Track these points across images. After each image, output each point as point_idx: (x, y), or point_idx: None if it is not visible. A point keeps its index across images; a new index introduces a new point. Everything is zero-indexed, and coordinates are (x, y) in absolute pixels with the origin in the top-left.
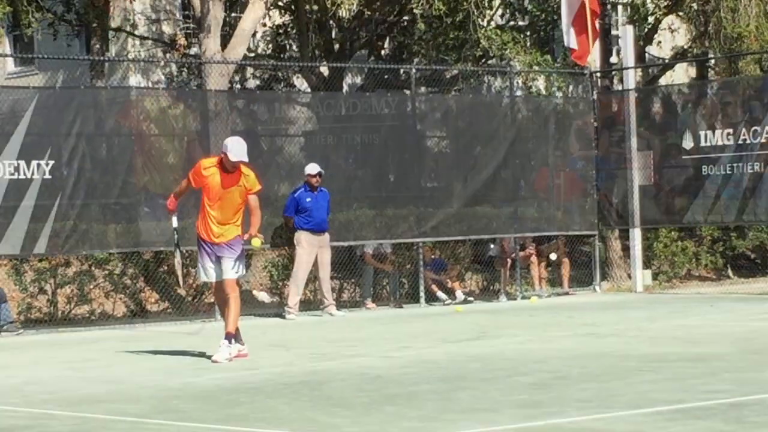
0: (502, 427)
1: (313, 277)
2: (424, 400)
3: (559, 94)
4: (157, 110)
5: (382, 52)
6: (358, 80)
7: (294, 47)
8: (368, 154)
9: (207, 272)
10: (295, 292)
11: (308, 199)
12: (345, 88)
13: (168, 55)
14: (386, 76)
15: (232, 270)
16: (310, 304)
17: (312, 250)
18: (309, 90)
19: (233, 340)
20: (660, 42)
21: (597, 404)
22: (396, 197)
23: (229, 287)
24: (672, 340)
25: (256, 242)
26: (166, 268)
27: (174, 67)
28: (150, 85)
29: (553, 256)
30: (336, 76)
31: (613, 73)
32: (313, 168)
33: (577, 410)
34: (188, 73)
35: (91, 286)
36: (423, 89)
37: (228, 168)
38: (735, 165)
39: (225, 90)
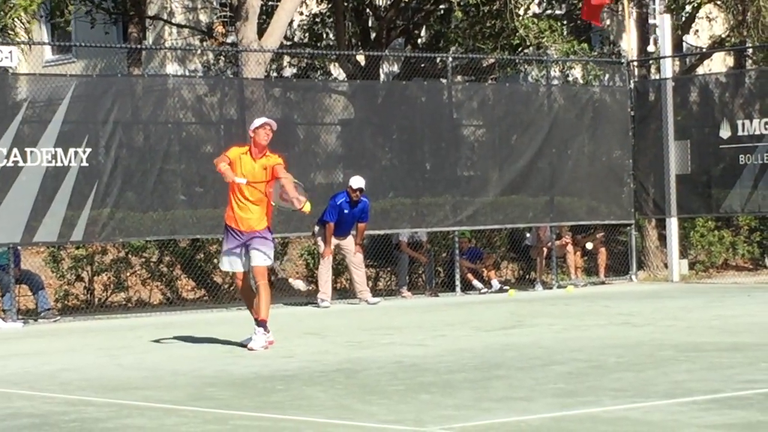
0: (537, 416)
1: (346, 266)
2: (459, 389)
3: (596, 83)
4: (194, 98)
5: (419, 40)
6: (395, 69)
7: (330, 35)
8: (404, 143)
9: (232, 263)
10: (324, 280)
11: (345, 211)
12: (382, 76)
13: (205, 44)
14: (423, 65)
15: (262, 257)
16: (346, 292)
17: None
18: (345, 78)
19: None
20: (697, 31)
21: (632, 393)
22: (432, 186)
23: (259, 275)
24: (708, 329)
25: (308, 206)
26: (202, 255)
27: (211, 56)
28: (187, 73)
29: (589, 246)
30: (372, 65)
31: (651, 62)
32: (357, 182)
33: (613, 399)
34: (225, 61)
35: (128, 274)
36: (459, 78)
37: (257, 147)
38: None
39: (261, 78)
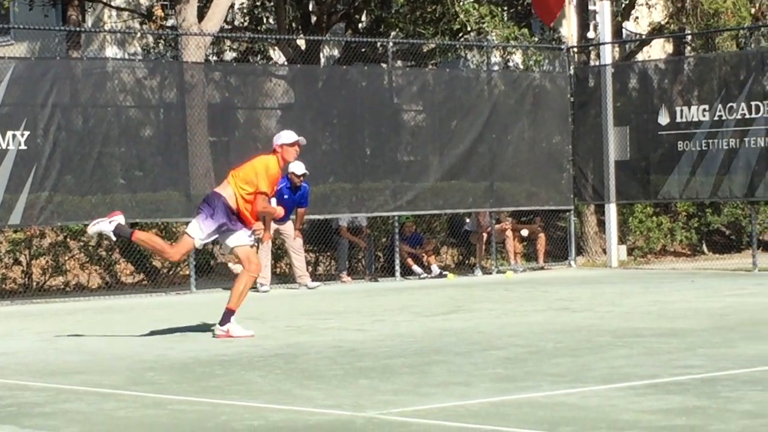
0: (476, 401)
1: (285, 251)
2: (398, 374)
3: (537, 68)
4: (134, 82)
5: (360, 25)
6: (335, 53)
7: (271, 20)
8: (344, 128)
9: (203, 233)
10: (263, 265)
11: (285, 196)
12: (322, 61)
13: (144, 27)
14: (363, 50)
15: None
16: (286, 277)
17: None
18: (286, 63)
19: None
20: (637, 18)
21: (570, 378)
22: (372, 171)
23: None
24: (646, 315)
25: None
26: None
27: (150, 39)
28: (126, 56)
29: (524, 232)
30: (313, 49)
31: (590, 48)
32: (299, 168)
33: (551, 384)
34: (165, 44)
35: (66, 258)
36: (400, 63)
37: (284, 162)
38: (710, 141)
39: (201, 62)
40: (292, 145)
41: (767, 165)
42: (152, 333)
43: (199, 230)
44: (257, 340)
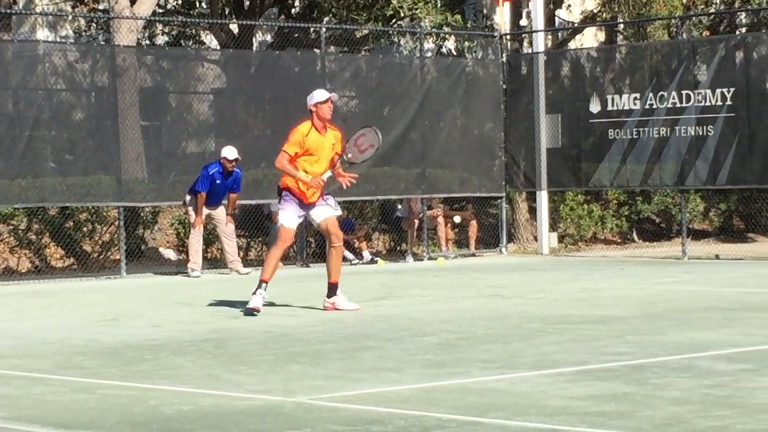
0: (406, 387)
1: (217, 236)
2: (328, 359)
3: (469, 55)
4: (65, 65)
5: (293, 10)
6: (268, 38)
7: (204, 4)
8: (277, 113)
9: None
10: (195, 250)
11: (218, 181)
12: (255, 45)
13: (76, 10)
14: (296, 35)
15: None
16: (217, 262)
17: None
18: (218, 47)
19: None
20: (570, 6)
21: (500, 365)
22: None
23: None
24: (576, 302)
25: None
26: (71, 224)
27: (82, 22)
28: (58, 39)
29: (456, 219)
30: (246, 34)
31: (523, 36)
32: (231, 153)
33: (481, 370)
34: (97, 28)
35: None
36: (333, 49)
37: (321, 122)
38: (641, 129)
39: (133, 46)
40: (324, 102)
41: (697, 154)
42: (82, 317)
43: (287, 219)
44: (188, 325)
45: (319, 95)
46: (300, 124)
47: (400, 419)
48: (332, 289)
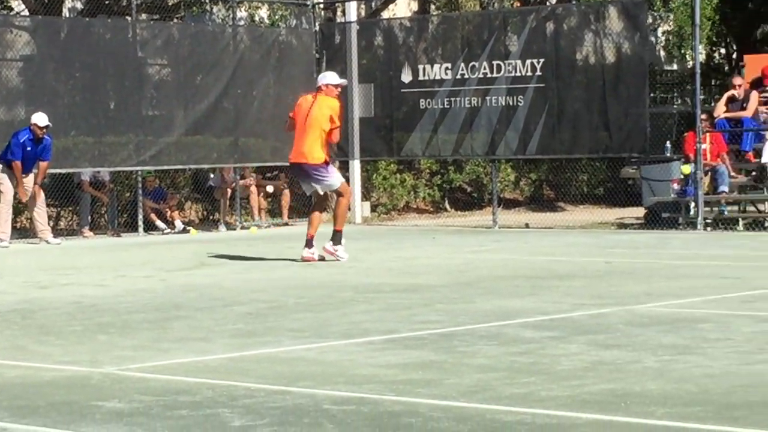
0: (216, 357)
1: (26, 205)
2: (137, 330)
3: (283, 24)
4: None
5: None
6: (79, 5)
7: None
8: (87, 81)
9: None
10: (4, 219)
11: (28, 149)
12: (65, 12)
13: None
14: (107, 2)
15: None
16: (26, 231)
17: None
18: (27, 13)
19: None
20: None
21: (310, 334)
22: (115, 125)
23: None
24: (387, 271)
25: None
26: None
27: None
28: None
29: (269, 189)
30: (56, 0)
31: (336, 5)
32: (42, 120)
33: (291, 339)
34: None
35: None
36: (144, 16)
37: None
38: (453, 99)
39: None
40: (338, 86)
41: (508, 124)
42: None
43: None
44: None
45: (332, 78)
46: None
47: (208, 389)
48: (337, 237)
